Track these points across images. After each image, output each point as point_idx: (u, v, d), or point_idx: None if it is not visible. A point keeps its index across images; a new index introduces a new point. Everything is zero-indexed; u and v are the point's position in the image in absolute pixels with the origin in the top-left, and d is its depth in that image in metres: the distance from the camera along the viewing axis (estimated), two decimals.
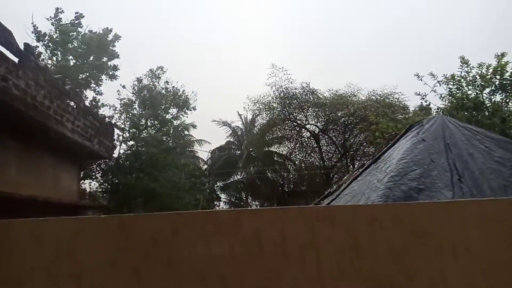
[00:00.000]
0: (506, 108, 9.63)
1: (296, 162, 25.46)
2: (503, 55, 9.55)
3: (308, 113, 22.49)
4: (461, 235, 1.47)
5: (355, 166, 18.10)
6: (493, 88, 9.70)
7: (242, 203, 27.82)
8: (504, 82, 9.46)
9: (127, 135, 19.15)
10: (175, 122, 22.66)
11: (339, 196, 6.52)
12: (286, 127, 23.92)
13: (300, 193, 24.17)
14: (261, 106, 23.34)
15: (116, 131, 16.60)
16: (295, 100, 21.72)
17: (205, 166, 29.49)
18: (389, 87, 20.29)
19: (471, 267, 1.48)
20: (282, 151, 26.57)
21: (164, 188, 16.60)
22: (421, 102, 11.17)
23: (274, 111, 22.77)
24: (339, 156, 22.75)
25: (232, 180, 28.16)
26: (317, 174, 22.92)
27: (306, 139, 24.28)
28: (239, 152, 28.83)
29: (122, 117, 19.64)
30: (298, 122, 23.19)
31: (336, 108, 20.76)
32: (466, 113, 9.82)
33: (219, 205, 29.38)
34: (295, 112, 22.56)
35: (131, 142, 18.99)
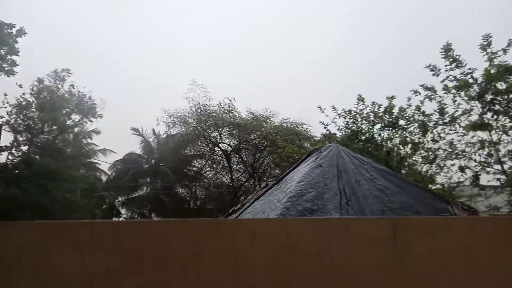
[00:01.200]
0: (390, 143, 11.09)
1: (206, 179, 25.30)
2: (392, 97, 11.07)
3: (222, 132, 22.76)
4: (327, 250, 1.63)
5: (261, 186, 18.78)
6: (382, 125, 11.12)
7: (145, 219, 26.33)
8: (391, 121, 10.94)
9: (21, 139, 16.85)
10: (76, 129, 20.69)
11: (241, 214, 6.64)
12: (199, 143, 23.78)
13: (207, 211, 23.93)
14: (175, 120, 22.88)
15: (6, 134, 14.49)
16: (211, 118, 21.83)
17: (107, 178, 27.24)
18: (302, 117, 21.72)
19: (336, 280, 1.64)
20: (193, 167, 26.18)
21: (55, 204, 14.77)
22: (325, 131, 12.24)
23: (189, 126, 22.52)
24: (247, 176, 23.32)
25: (136, 194, 26.47)
26: (225, 192, 23.10)
27: (218, 157, 24.41)
28: (147, 166, 27.41)
29: (19, 119, 17.33)
30: (212, 139, 23.27)
31: (250, 130, 21.44)
32: (359, 143, 11.04)
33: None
34: (210, 130, 22.63)
35: (25, 148, 16.72)
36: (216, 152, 24.24)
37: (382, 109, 11.15)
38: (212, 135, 23.11)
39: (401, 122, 10.82)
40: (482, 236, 1.67)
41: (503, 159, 8.36)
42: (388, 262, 1.61)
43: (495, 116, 7.88)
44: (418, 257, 1.61)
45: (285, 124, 21.39)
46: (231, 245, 1.78)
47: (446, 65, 8.70)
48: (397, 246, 1.62)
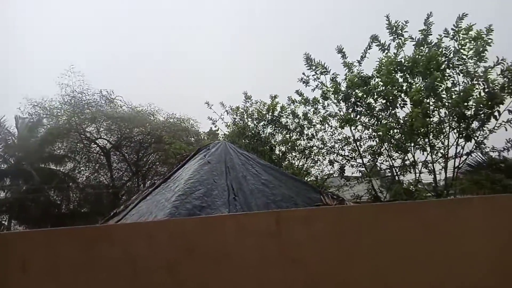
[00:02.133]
0: (273, 140, 11.94)
1: (81, 179, 22.71)
2: (275, 96, 11.89)
3: (100, 126, 20.75)
4: (223, 245, 1.70)
5: (146, 186, 17.93)
6: (266, 122, 11.88)
7: (2, 228, 22.20)
8: (273, 118, 11.78)
9: None
10: None
11: (125, 217, 6.26)
12: (71, 139, 21.15)
13: (82, 215, 21.56)
14: (41, 111, 19.87)
15: None
16: (88, 110, 19.69)
17: None
18: (191, 113, 21.26)
19: (232, 273, 1.73)
20: (64, 167, 23.17)
21: None
22: (211, 127, 12.42)
23: (59, 119, 19.85)
24: (130, 174, 21.90)
25: None
26: (105, 194, 21.19)
27: (95, 155, 22.20)
28: (5, 166, 23.08)
29: None
30: (88, 135, 21.02)
31: (133, 124, 20.09)
32: (246, 140, 11.58)
33: None
34: (85, 124, 20.37)
35: None
36: (92, 149, 22.00)
37: (266, 107, 11.91)
38: (88, 129, 20.86)
39: (283, 120, 11.79)
40: (349, 222, 1.97)
41: (363, 154, 9.89)
42: (276, 251, 1.77)
43: (358, 116, 9.24)
44: (299, 244, 1.81)
45: (171, 120, 20.71)
46: (127, 250, 1.68)
47: (312, 75, 9.77)
48: (281, 236, 1.79)
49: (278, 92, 11.94)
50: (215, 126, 12.23)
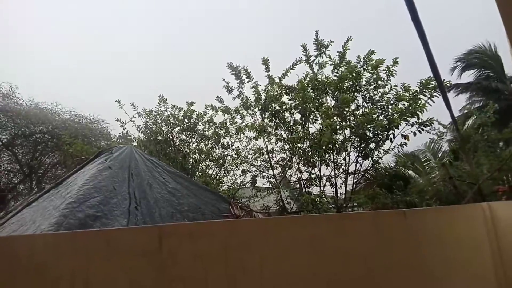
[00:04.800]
0: (187, 147, 11.61)
1: None
2: (192, 103, 11.61)
3: None
4: (84, 269, 1.45)
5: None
6: (181, 128, 11.50)
7: None
8: (190, 125, 11.49)
9: None
10: None
11: (3, 225, 5.41)
12: None
13: None
14: None
15: None
16: None
17: None
18: (101, 113, 19.57)
19: None
20: None
21: None
22: (122, 130, 11.56)
23: None
24: (22, 176, 19.23)
25: None
26: None
27: None
28: None
29: None
30: None
31: (31, 121, 17.79)
32: (157, 146, 11.04)
33: None
34: None
35: None
36: None
37: (182, 112, 11.54)
38: None
39: (199, 127, 11.56)
40: (238, 237, 1.90)
41: (275, 166, 10.17)
42: (153, 271, 1.59)
43: (275, 128, 9.50)
44: (181, 262, 1.67)
45: (76, 119, 18.84)
46: None
47: (237, 82, 9.84)
48: (162, 254, 1.63)
49: (194, 97, 11.78)
50: (124, 129, 11.41)
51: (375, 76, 8.76)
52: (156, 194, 6.02)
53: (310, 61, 9.31)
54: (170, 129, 11.46)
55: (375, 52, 8.97)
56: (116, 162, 5.89)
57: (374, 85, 8.80)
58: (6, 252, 1.34)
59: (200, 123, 11.57)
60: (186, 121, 11.53)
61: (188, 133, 11.65)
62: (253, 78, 9.68)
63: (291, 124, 9.44)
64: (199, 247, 1.72)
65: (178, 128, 11.57)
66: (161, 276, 1.60)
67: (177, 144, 11.49)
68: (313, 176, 9.27)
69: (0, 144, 18.56)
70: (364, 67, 8.91)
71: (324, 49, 9.12)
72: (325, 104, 8.99)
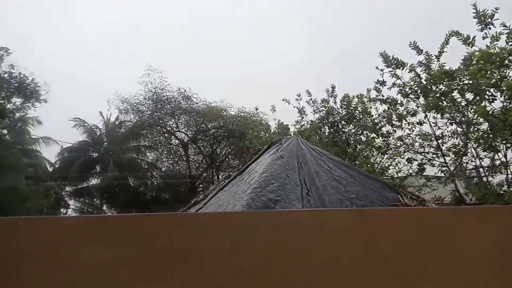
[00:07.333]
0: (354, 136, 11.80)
1: (162, 169, 24.75)
2: (362, 95, 11.76)
3: (179, 120, 22.38)
4: (306, 242, 1.80)
5: (220, 177, 18.86)
6: (348, 117, 11.84)
7: (96, 211, 25.23)
8: (352, 113, 11.72)
9: None
10: (18, 114, 19.20)
11: (205, 205, 6.72)
12: (154, 132, 23.18)
13: (163, 201, 23.55)
14: (129, 107, 22.05)
15: None
16: (168, 105, 21.37)
17: (52, 168, 25.56)
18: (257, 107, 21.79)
19: (314, 269, 1.82)
20: (148, 157, 25.45)
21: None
22: (279, 120, 12.72)
23: (144, 114, 21.85)
24: (205, 166, 23.22)
25: (85, 185, 25.21)
26: (183, 183, 22.81)
27: (174, 147, 24.00)
28: (96, 154, 26.04)
29: None
30: (168, 128, 22.81)
31: (208, 119, 21.28)
32: (329, 130, 11.71)
33: (66, 212, 25.75)
34: (166, 118, 22.16)
35: None
36: (172, 142, 23.82)
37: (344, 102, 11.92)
38: (168, 123, 22.64)
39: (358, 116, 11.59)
40: (431, 224, 1.96)
41: (446, 152, 9.20)
42: (360, 248, 1.84)
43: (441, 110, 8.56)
44: (384, 243, 1.85)
45: (242, 114, 21.40)
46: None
47: (389, 71, 9.25)
48: (366, 233, 1.85)
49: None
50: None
51: None
52: (324, 182, 6.36)
53: (470, 40, 7.88)
54: (338, 119, 11.89)
55: None
56: (286, 152, 6.51)
57: None
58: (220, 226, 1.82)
59: (363, 115, 11.58)
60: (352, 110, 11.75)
61: (353, 123, 11.82)
62: (407, 63, 8.94)
63: (462, 105, 8.32)
64: (396, 230, 1.87)
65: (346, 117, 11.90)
66: (367, 251, 1.82)
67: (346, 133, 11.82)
68: (497, 162, 7.98)
69: (187, 140, 22.92)
70: None
71: (490, 20, 7.61)
72: (507, 79, 7.53)
